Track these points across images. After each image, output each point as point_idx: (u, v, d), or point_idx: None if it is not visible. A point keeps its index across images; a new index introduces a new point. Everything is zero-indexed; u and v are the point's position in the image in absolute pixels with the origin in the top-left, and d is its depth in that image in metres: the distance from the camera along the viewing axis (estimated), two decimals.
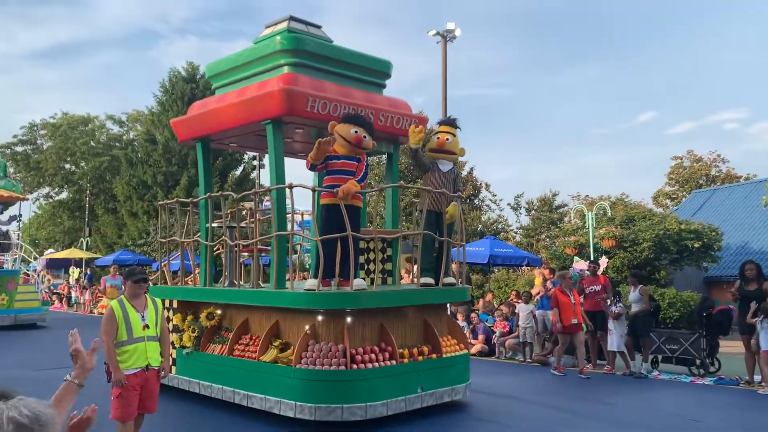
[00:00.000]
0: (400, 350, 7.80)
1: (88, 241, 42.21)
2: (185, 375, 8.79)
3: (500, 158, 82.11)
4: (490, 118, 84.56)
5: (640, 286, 11.99)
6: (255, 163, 34.86)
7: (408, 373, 7.76)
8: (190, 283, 9.78)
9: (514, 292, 15.01)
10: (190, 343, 8.76)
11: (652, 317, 12.36)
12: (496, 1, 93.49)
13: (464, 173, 35.58)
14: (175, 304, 9.29)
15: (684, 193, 41.33)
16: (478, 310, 16.06)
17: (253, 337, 8.26)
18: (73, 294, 34.25)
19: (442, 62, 28.17)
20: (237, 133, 9.07)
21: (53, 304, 32.17)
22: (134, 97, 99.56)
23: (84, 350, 2.93)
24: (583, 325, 11.68)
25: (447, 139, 8.71)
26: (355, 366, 7.38)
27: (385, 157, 10.67)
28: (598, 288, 12.24)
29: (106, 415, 5.93)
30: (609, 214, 27.35)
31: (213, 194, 8.73)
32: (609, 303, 11.82)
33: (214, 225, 9.03)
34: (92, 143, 46.85)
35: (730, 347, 12.75)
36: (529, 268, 27.59)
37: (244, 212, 10.93)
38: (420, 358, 7.97)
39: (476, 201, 38.93)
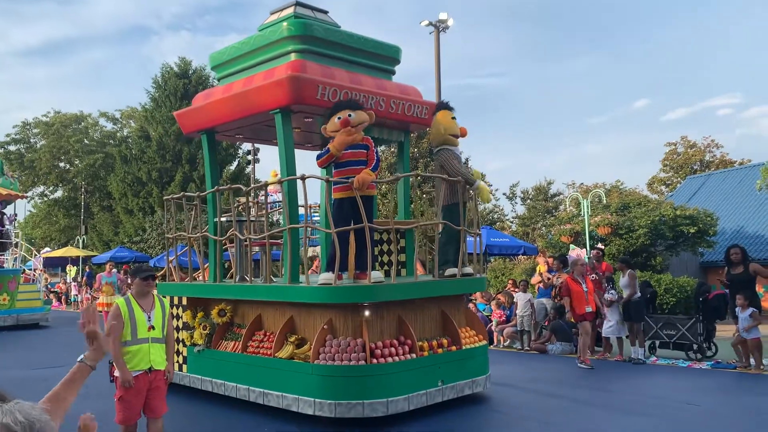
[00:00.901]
0: (420, 343, 7.50)
1: (84, 239, 41.69)
2: (197, 373, 8.45)
3: (495, 148, 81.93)
4: (485, 107, 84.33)
5: (629, 270, 11.99)
6: (249, 158, 34.39)
7: (428, 366, 7.46)
8: (198, 279, 9.40)
9: (510, 281, 14.75)
10: (202, 341, 8.42)
11: (646, 303, 12.34)
12: None
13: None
14: (184, 301, 8.94)
15: (679, 179, 41.21)
16: (476, 300, 15.79)
17: (267, 333, 7.93)
18: (72, 292, 33.81)
19: (435, 52, 27.89)
20: (243, 123, 8.71)
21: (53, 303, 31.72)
22: (127, 93, 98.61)
23: (101, 331, 2.81)
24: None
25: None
26: (375, 360, 7.08)
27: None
28: (599, 275, 12.23)
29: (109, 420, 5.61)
30: (604, 201, 27.24)
31: (221, 187, 8.35)
32: (604, 290, 11.80)
33: (222, 219, 8.65)
34: (86, 141, 46.24)
35: (727, 331, 12.69)
36: (525, 257, 27.42)
37: (240, 207, 10.60)
38: (440, 350, 7.67)
39: (471, 191, 38.61)
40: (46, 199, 49.28)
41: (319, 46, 8.22)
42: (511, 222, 42.71)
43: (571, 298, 10.82)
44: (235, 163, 40.02)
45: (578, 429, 6.93)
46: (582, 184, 41.47)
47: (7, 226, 20.59)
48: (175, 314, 8.81)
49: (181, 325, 8.83)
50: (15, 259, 21.22)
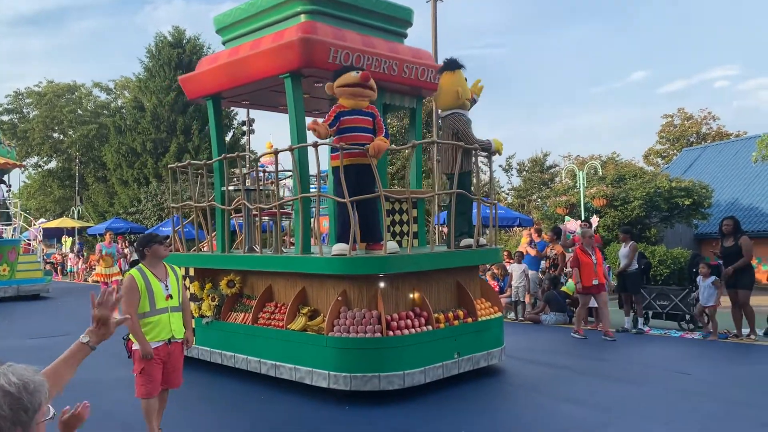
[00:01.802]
0: (436, 315, 7.23)
1: (79, 210, 41.20)
2: (205, 345, 8.17)
3: (492, 119, 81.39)
4: (483, 79, 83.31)
5: (632, 242, 11.93)
6: (245, 128, 33.86)
7: (445, 338, 7.21)
8: (204, 249, 9.08)
9: (506, 253, 14.60)
10: (210, 312, 8.13)
11: (642, 274, 12.28)
12: None
13: None
14: (191, 272, 8.63)
15: (675, 151, 41.01)
16: None
17: (278, 305, 7.65)
18: (68, 263, 33.46)
19: (432, 23, 27.35)
20: (251, 89, 8.33)
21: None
22: (121, 64, 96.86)
23: (114, 319, 2.76)
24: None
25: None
26: (391, 333, 6.81)
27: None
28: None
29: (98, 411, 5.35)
30: (600, 173, 27.09)
31: (229, 155, 8.00)
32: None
33: (230, 188, 8.31)
34: (79, 111, 45.43)
35: (721, 303, 12.62)
36: (520, 228, 27.25)
37: (235, 179, 10.24)
38: (456, 322, 7.41)
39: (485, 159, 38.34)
40: (40, 170, 48.57)
41: (330, 6, 7.83)
42: (507, 194, 42.46)
43: (580, 270, 10.57)
44: (230, 134, 39.42)
45: (572, 397, 6.85)
46: (578, 156, 41.18)
47: (4, 194, 20.15)
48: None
49: (188, 297, 8.53)
50: (14, 229, 20.79)
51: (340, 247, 7.00)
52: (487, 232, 9.50)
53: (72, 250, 33.57)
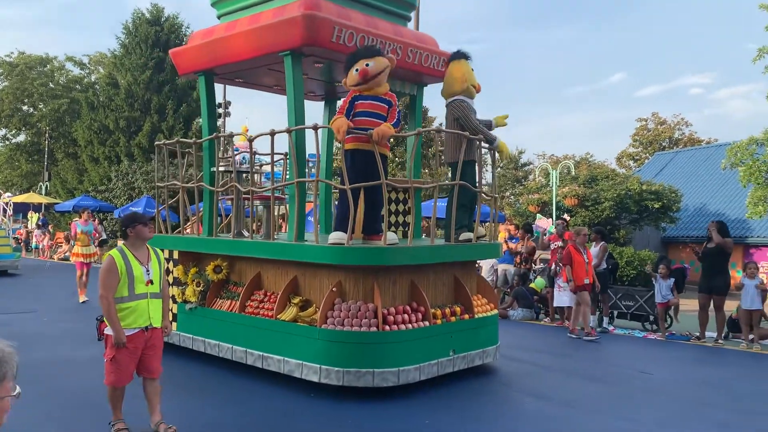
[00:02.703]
0: (432, 310, 6.87)
1: (47, 186, 39.96)
2: (188, 332, 7.72)
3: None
4: None
5: (602, 242, 12.04)
6: (220, 111, 33.05)
7: (441, 335, 6.87)
8: (187, 231, 8.58)
9: None
10: (195, 298, 7.67)
11: (609, 274, 12.43)
12: None
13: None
14: (176, 255, 8.14)
15: (647, 154, 41.30)
16: None
17: (268, 294, 7.22)
18: (33, 239, 32.41)
19: (414, 14, 26.93)
20: (246, 66, 7.85)
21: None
22: (96, 39, 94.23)
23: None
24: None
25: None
26: (387, 327, 6.44)
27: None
28: (562, 244, 12.15)
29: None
30: (573, 173, 27.14)
31: (221, 134, 7.51)
32: (560, 259, 11.66)
33: (220, 169, 7.83)
34: (51, 85, 43.98)
35: (684, 305, 12.98)
36: (493, 224, 27.08)
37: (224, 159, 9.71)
38: (452, 318, 7.06)
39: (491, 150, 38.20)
40: (8, 143, 46.98)
41: None
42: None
43: (573, 268, 10.31)
44: None
45: (537, 392, 6.82)
46: (552, 155, 41.26)
47: None
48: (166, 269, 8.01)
49: (171, 281, 8.04)
50: None
51: (337, 236, 6.60)
52: (484, 226, 9.16)
53: (37, 226, 32.51)
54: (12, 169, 47.01)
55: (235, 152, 8.93)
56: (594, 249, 11.80)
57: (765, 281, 22.63)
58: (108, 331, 5.08)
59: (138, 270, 5.20)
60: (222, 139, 8.22)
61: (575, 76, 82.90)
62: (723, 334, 10.57)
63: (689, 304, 11.72)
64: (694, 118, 77.21)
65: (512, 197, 37.09)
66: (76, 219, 15.85)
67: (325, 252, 6.58)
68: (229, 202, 8.32)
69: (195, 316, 7.70)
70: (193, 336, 7.73)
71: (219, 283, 7.70)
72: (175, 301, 7.95)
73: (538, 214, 22.96)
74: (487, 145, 7.56)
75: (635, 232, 27.10)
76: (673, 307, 11.45)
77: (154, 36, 36.88)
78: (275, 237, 7.35)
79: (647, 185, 25.49)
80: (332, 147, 8.15)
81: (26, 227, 35.28)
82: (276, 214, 9.36)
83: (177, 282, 7.99)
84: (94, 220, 17.20)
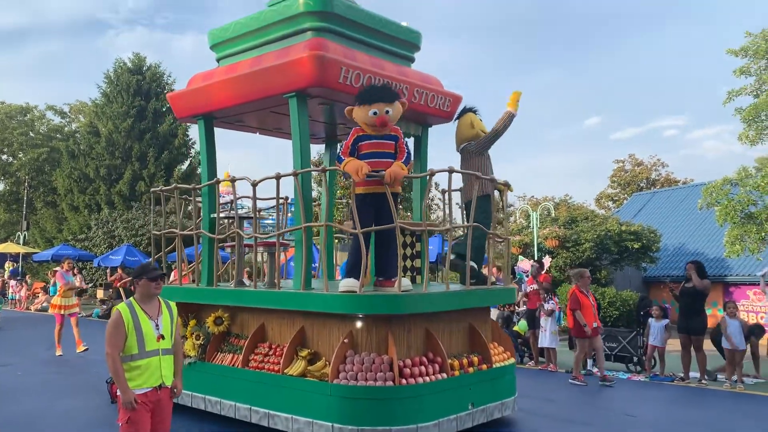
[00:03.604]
0: (449, 361, 6.39)
1: (25, 235, 38.86)
2: (187, 389, 7.12)
3: (449, 159, 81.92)
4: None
5: None
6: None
7: (459, 387, 6.39)
8: (175, 281, 8.03)
9: None
10: (194, 352, 7.13)
11: None
12: (454, 6, 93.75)
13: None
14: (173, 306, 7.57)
15: (626, 195, 41.49)
16: None
17: (273, 346, 6.71)
18: (9, 289, 31.27)
19: None
20: (248, 109, 7.48)
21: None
22: (78, 87, 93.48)
23: None
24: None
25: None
26: (404, 381, 5.95)
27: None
28: (540, 284, 12.14)
29: None
30: (553, 214, 27.10)
31: (229, 178, 7.06)
32: (543, 300, 11.67)
33: (221, 216, 7.35)
34: (31, 134, 43.22)
35: (667, 345, 12.64)
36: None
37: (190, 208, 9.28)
38: (470, 369, 6.59)
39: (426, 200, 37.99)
40: None
41: (340, 24, 7.08)
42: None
43: (582, 312, 9.90)
44: (187, 163, 38.03)
45: None
46: (532, 196, 41.26)
47: None
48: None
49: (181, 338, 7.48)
50: None
51: (348, 283, 6.14)
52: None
53: (9, 276, 31.44)
54: None
55: (221, 198, 8.51)
56: None
57: (746, 319, 22.54)
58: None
59: (147, 325, 4.77)
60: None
61: (553, 119, 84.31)
62: (707, 374, 10.52)
63: (671, 344, 11.66)
64: (670, 158, 78.46)
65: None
66: (59, 269, 15.11)
67: (337, 301, 6.12)
68: (229, 249, 7.82)
69: (194, 372, 7.13)
70: (193, 393, 7.15)
71: (220, 336, 7.17)
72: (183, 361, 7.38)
73: (520, 256, 22.75)
74: (499, 188, 7.22)
75: (616, 273, 26.97)
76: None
77: (136, 85, 36.57)
78: (280, 285, 6.86)
79: (626, 226, 25.56)
80: (334, 190, 7.71)
81: (2, 277, 34.12)
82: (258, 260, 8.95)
83: None
84: (74, 272, 16.42)
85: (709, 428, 7.26)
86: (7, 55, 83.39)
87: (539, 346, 11.65)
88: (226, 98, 7.30)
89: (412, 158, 7.13)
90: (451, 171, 6.55)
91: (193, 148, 37.99)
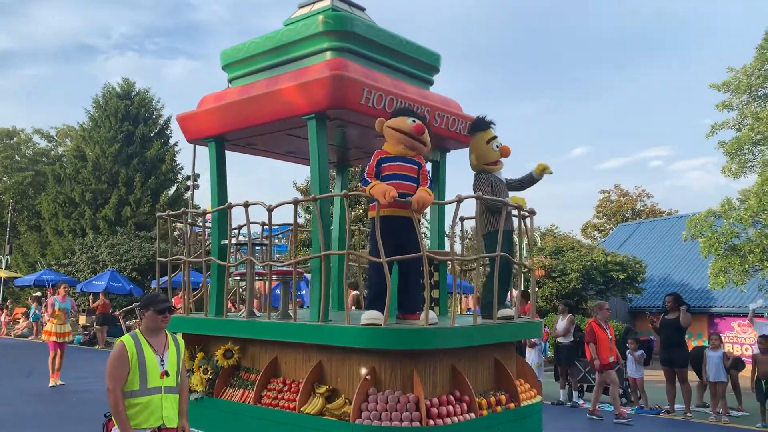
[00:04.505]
0: (477, 399, 5.91)
1: (8, 259, 37.78)
2: (194, 426, 6.52)
3: (466, 186, 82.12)
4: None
5: (570, 315, 11.90)
6: (189, 183, 31.97)
7: (488, 428, 5.89)
8: (179, 310, 7.49)
9: None
10: (202, 387, 6.57)
11: (577, 347, 12.15)
12: (437, 36, 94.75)
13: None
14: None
15: (611, 225, 41.52)
16: None
17: (288, 382, 6.19)
18: None
19: None
20: (263, 131, 7.04)
21: None
22: (66, 112, 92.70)
23: None
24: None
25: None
26: (431, 422, 5.45)
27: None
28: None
29: None
30: (539, 244, 26.92)
31: (237, 203, 6.57)
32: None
33: (231, 242, 6.84)
34: (17, 157, 42.33)
35: (652, 377, 12.95)
36: (462, 296, 26.50)
37: (176, 233, 8.81)
38: (498, 408, 6.09)
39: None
40: None
41: (359, 45, 6.71)
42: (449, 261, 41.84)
43: (597, 345, 9.49)
44: (174, 188, 37.37)
45: None
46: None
47: None
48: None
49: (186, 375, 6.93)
50: None
51: (372, 316, 5.66)
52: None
53: None
54: None
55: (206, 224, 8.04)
56: (561, 322, 11.59)
57: (731, 350, 22.29)
58: (116, 429, 4.21)
59: (152, 359, 4.37)
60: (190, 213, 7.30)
61: (539, 149, 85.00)
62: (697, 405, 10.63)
63: (657, 375, 11.46)
64: (656, 189, 79.29)
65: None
66: (55, 294, 14.40)
67: (360, 334, 5.62)
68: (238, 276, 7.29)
69: (202, 408, 6.58)
70: (198, 431, 6.56)
71: (228, 370, 6.63)
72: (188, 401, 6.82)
73: None
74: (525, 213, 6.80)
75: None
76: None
77: (124, 110, 36.09)
78: (296, 317, 6.35)
79: (612, 256, 25.49)
80: (345, 216, 7.21)
81: None
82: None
83: None
84: (72, 297, 15.71)
85: None
86: None
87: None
88: (240, 120, 6.86)
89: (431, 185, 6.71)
90: (479, 198, 6.14)
91: (180, 173, 37.41)
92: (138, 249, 29.59)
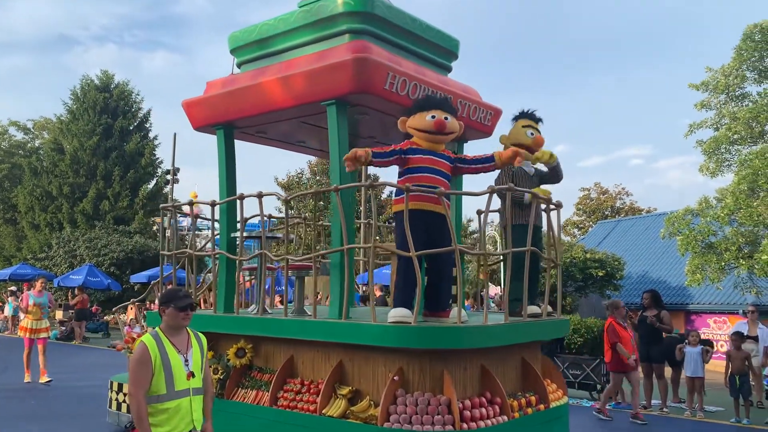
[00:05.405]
0: (509, 401, 5.53)
1: None
2: None
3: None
4: None
5: None
6: (168, 177, 31.18)
7: (521, 430, 5.49)
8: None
9: None
10: (213, 388, 6.04)
11: (556, 343, 12.34)
12: None
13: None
14: None
15: (591, 223, 41.57)
16: None
17: (306, 382, 5.75)
18: None
19: None
20: (276, 118, 6.55)
21: None
22: (43, 104, 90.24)
23: None
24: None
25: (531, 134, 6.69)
26: (464, 425, 5.06)
27: None
28: None
29: None
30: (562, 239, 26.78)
31: (249, 194, 6.10)
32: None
33: (239, 234, 6.35)
34: None
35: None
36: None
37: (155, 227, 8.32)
38: (529, 410, 5.72)
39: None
40: None
41: (380, 28, 6.27)
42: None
43: (621, 345, 9.15)
44: (153, 182, 36.47)
45: None
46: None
47: None
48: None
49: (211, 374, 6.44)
50: None
51: (399, 313, 5.26)
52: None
53: None
54: None
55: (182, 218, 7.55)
56: None
57: (715, 347, 22.20)
58: None
59: (176, 360, 3.98)
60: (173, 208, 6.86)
61: None
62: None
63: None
64: (635, 187, 79.65)
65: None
66: (30, 289, 13.71)
67: (387, 332, 5.21)
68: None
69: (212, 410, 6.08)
70: None
71: (240, 370, 6.16)
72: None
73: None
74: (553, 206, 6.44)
75: (581, 300, 26.72)
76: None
77: (103, 102, 35.09)
78: (309, 313, 5.91)
79: (591, 253, 25.49)
80: (353, 211, 6.75)
81: None
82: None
83: None
84: (49, 291, 14.96)
85: None
86: None
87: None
88: (252, 106, 6.37)
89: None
90: (510, 190, 5.76)
91: (160, 167, 36.50)
92: (116, 243, 28.81)
